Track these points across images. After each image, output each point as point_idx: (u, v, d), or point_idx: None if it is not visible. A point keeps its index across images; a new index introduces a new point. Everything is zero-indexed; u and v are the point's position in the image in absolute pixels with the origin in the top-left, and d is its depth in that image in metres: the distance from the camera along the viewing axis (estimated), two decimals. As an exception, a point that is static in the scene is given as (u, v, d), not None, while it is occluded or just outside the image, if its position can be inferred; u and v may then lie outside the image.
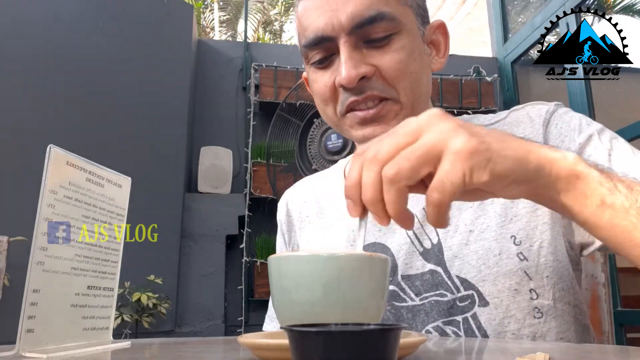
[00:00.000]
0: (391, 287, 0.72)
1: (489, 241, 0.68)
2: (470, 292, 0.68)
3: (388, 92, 0.70)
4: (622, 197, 0.44)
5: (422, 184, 0.43)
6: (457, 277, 0.68)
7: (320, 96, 0.74)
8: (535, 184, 0.45)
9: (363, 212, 0.45)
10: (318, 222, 0.85)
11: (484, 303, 0.67)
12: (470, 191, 0.44)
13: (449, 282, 0.69)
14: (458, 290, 0.68)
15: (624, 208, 0.44)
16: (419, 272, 0.71)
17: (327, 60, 0.72)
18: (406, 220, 0.44)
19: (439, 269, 0.70)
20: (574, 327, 0.69)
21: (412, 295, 0.71)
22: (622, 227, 0.44)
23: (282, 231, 0.92)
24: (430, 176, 0.42)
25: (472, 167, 0.41)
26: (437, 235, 0.72)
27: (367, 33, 0.68)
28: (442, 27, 0.78)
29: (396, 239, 0.74)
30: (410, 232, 0.73)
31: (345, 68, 0.68)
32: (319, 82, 0.73)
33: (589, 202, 0.45)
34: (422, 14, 0.75)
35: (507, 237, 0.68)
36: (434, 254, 0.71)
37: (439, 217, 0.42)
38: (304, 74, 0.81)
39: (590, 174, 0.45)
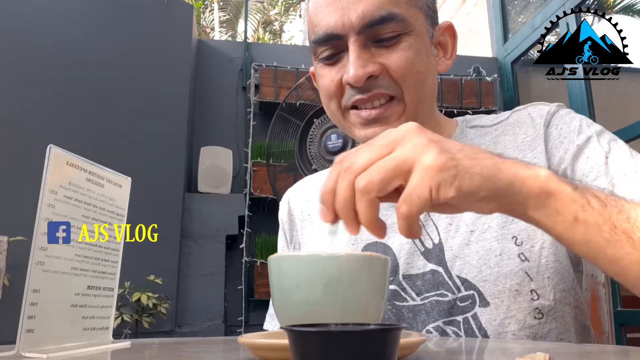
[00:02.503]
0: (392, 287, 0.72)
1: (490, 241, 0.68)
2: (470, 292, 0.68)
3: (394, 90, 0.70)
4: (595, 213, 0.45)
5: (395, 194, 0.44)
6: (458, 277, 0.68)
7: (326, 91, 0.75)
8: (505, 201, 0.45)
9: (335, 218, 0.46)
10: (319, 221, 0.85)
11: (485, 303, 0.67)
12: (441, 205, 0.44)
13: (450, 282, 0.69)
14: (459, 290, 0.68)
15: (597, 225, 0.44)
16: (420, 271, 0.71)
17: (335, 57, 0.73)
18: (377, 229, 0.45)
19: (440, 269, 0.70)
20: (574, 328, 0.69)
21: (413, 294, 0.71)
22: (595, 243, 0.45)
23: (283, 230, 0.92)
24: (403, 187, 0.43)
25: (439, 183, 0.42)
26: (439, 235, 0.72)
27: (377, 33, 0.69)
28: (450, 29, 0.79)
29: (398, 238, 0.74)
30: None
31: (353, 67, 0.68)
32: (325, 77, 0.74)
33: (561, 219, 0.45)
34: (432, 15, 0.75)
35: (509, 238, 0.68)
36: (435, 253, 0.71)
37: (409, 228, 0.43)
38: (311, 69, 0.82)
39: (562, 191, 0.45)
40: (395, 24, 0.69)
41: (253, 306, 3.01)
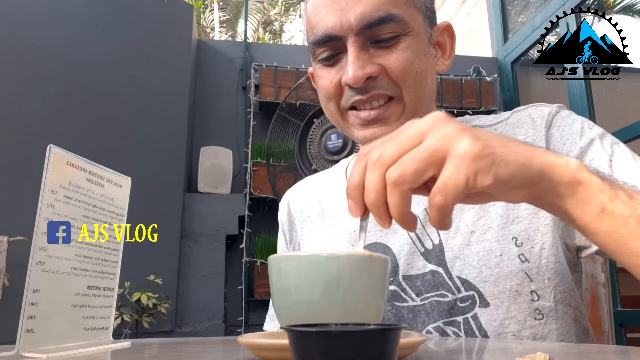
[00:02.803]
0: (392, 287, 0.72)
1: (490, 242, 0.68)
2: (471, 292, 0.67)
3: (393, 90, 0.70)
4: (622, 205, 0.45)
5: (424, 186, 0.43)
6: (458, 277, 0.68)
7: (325, 92, 0.75)
8: (537, 188, 0.45)
9: (365, 212, 0.45)
10: (319, 222, 0.85)
11: (485, 304, 0.67)
12: (473, 194, 0.44)
13: (450, 283, 0.69)
14: (459, 291, 0.68)
15: (623, 216, 0.44)
16: (420, 272, 0.71)
17: (334, 58, 0.73)
18: (409, 222, 0.44)
19: (440, 270, 0.70)
20: (574, 329, 0.69)
21: (413, 295, 0.71)
22: (620, 234, 0.45)
23: (283, 231, 0.92)
24: (433, 179, 0.42)
25: (476, 170, 0.41)
26: (439, 235, 0.72)
27: (375, 34, 0.69)
28: (448, 29, 0.79)
29: (397, 239, 0.74)
30: (411, 233, 0.73)
31: (352, 68, 0.68)
32: (324, 78, 0.74)
33: (588, 209, 0.45)
34: (430, 15, 0.75)
35: (509, 239, 0.68)
36: (435, 254, 0.71)
37: (442, 220, 0.42)
38: (310, 70, 0.82)
39: (591, 181, 0.45)
40: (393, 25, 0.69)
41: (253, 306, 3.01)
